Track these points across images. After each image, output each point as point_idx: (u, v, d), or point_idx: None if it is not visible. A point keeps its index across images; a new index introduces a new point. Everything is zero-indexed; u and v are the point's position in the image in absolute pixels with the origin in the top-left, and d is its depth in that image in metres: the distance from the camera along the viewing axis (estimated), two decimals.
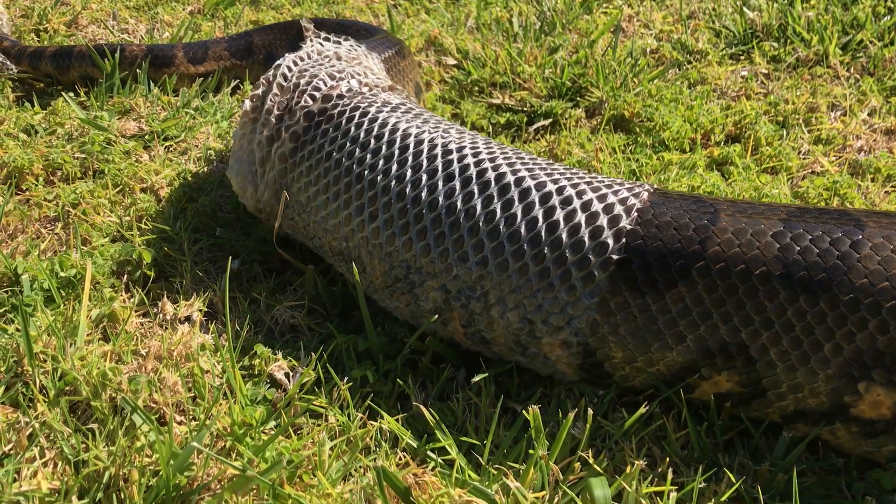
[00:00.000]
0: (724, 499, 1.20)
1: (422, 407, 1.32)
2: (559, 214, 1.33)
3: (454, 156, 1.45)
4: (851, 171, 2.14)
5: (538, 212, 1.34)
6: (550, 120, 2.36)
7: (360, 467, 1.25)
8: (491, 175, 1.40)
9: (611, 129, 2.32)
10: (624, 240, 1.29)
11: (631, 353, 1.30)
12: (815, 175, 2.10)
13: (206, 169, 2.05)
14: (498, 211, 1.36)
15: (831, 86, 2.52)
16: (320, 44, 1.85)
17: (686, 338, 1.26)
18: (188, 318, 1.56)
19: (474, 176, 1.41)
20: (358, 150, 1.52)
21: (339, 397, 1.38)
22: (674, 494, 1.14)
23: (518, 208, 1.35)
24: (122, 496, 1.18)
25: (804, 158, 2.19)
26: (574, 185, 1.37)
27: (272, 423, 1.34)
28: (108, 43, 2.49)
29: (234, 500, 1.18)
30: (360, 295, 1.45)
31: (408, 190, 1.43)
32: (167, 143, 2.14)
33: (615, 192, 1.35)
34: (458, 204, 1.39)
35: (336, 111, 1.60)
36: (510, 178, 1.39)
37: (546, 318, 1.32)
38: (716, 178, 2.04)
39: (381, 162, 1.49)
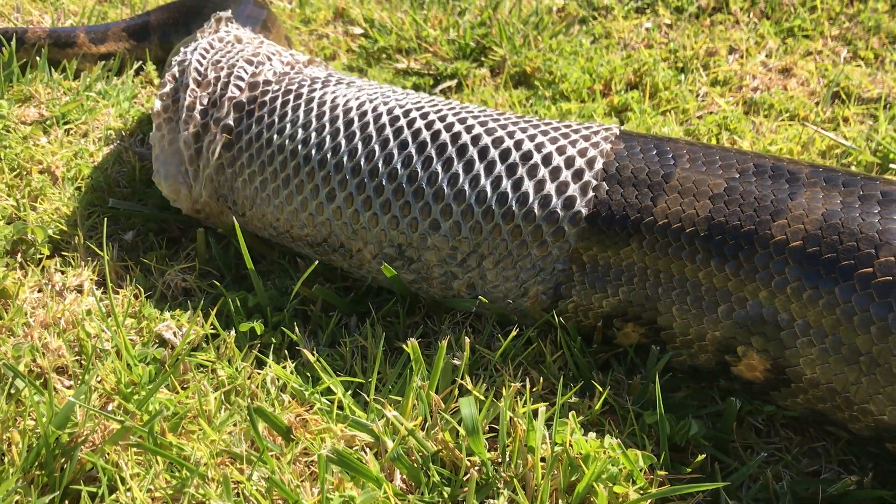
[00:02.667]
0: (596, 409, 1.23)
1: (306, 352, 1.34)
2: (522, 171, 1.33)
3: (402, 121, 1.42)
4: (746, 109, 2.19)
5: (501, 170, 1.34)
6: (455, 81, 2.38)
7: (245, 413, 1.27)
8: (446, 136, 1.38)
9: (513, 85, 2.35)
10: (591, 194, 1.31)
11: (586, 299, 1.34)
12: (710, 114, 2.15)
13: (105, 149, 2.05)
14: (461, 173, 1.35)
15: (731, 31, 2.57)
16: (221, 30, 1.81)
17: (619, 290, 1.30)
18: (78, 288, 1.56)
19: (429, 139, 1.39)
20: (301, 131, 1.48)
21: (228, 351, 1.39)
22: (542, 410, 1.17)
23: (481, 168, 1.34)
24: (4, 459, 1.18)
25: (702, 100, 2.24)
26: (539, 137, 1.37)
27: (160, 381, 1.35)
28: (6, 28, 2.46)
29: (115, 452, 1.19)
30: (243, 249, 1.46)
31: (363, 163, 1.40)
32: (67, 127, 2.13)
33: (574, 143, 1.35)
34: (419, 170, 1.37)
35: (268, 98, 1.56)
36: (466, 138, 1.37)
37: (523, 276, 1.34)
38: (612, 123, 2.08)
39: (328, 139, 1.45)
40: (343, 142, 1.43)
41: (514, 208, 1.32)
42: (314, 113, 1.49)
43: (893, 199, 1.16)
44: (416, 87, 2.40)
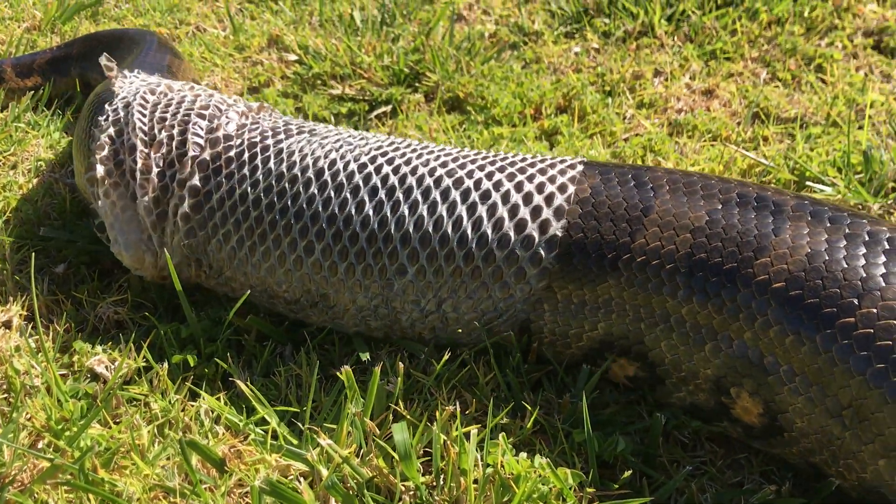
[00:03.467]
0: (527, 429, 1.26)
1: (240, 383, 1.34)
2: (487, 211, 1.34)
3: (370, 167, 1.42)
4: (671, 130, 2.27)
5: (481, 209, 1.34)
6: (390, 106, 2.41)
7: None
8: (412, 180, 1.39)
9: (447, 110, 2.39)
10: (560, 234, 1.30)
11: (560, 331, 1.34)
12: (636, 136, 2.21)
13: (35, 180, 2.02)
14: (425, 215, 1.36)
15: (656, 55, 2.66)
16: (134, 81, 1.74)
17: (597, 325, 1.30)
18: (7, 324, 1.53)
19: (397, 183, 1.39)
20: (273, 185, 1.45)
21: (161, 384, 1.38)
22: (474, 432, 1.19)
23: (443, 209, 1.36)
24: None
25: (628, 122, 2.31)
26: (503, 178, 1.37)
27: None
28: None
29: (44, 491, 1.17)
30: (175, 280, 1.46)
31: (337, 212, 1.40)
32: None
33: (532, 179, 1.36)
34: (388, 216, 1.37)
35: (233, 153, 1.51)
36: (429, 181, 1.38)
37: (487, 318, 1.36)
38: (542, 147, 2.13)
39: (302, 190, 1.43)
40: (316, 192, 1.42)
41: (473, 249, 1.33)
42: (284, 165, 1.46)
43: (879, 240, 1.13)
44: (352, 113, 2.42)
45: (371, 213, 1.38)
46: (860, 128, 2.16)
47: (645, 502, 1.16)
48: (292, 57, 2.72)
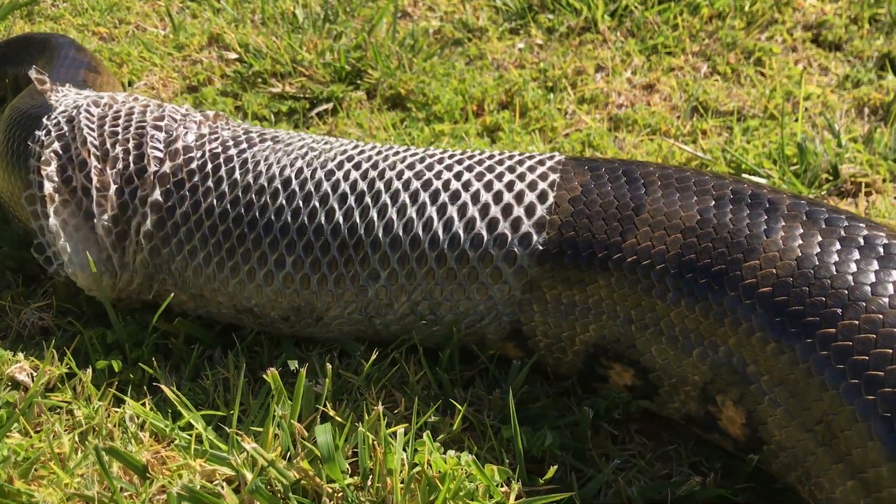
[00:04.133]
0: (455, 427, 1.25)
1: (165, 388, 1.31)
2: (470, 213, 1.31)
3: (338, 174, 1.39)
4: (612, 125, 2.27)
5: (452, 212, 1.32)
6: (331, 104, 2.39)
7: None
8: (380, 184, 1.37)
9: (388, 107, 2.37)
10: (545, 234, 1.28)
11: (553, 333, 1.31)
12: (577, 132, 2.22)
13: None
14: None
15: (599, 50, 2.67)
16: (68, 94, 1.67)
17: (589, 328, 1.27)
18: None
19: (365, 188, 1.37)
20: (241, 197, 1.40)
21: (84, 391, 1.35)
22: (400, 431, 1.18)
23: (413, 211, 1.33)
24: None
25: (569, 118, 2.31)
26: (465, 175, 1.35)
27: (14, 426, 1.30)
28: None
29: None
30: (101, 287, 1.42)
31: (307, 222, 1.36)
32: None
33: (500, 178, 1.33)
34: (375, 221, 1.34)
35: (194, 165, 1.45)
36: (397, 184, 1.36)
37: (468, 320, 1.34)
38: (483, 144, 2.13)
39: (270, 201, 1.39)
40: (284, 203, 1.38)
41: (445, 250, 1.30)
42: (250, 175, 1.41)
43: (873, 246, 1.09)
44: (293, 111, 2.39)
45: (341, 220, 1.35)
46: (796, 120, 2.19)
47: (568, 497, 1.15)
48: (232, 55, 2.68)
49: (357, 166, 1.40)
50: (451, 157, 1.41)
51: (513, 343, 1.35)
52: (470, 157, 1.40)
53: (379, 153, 1.43)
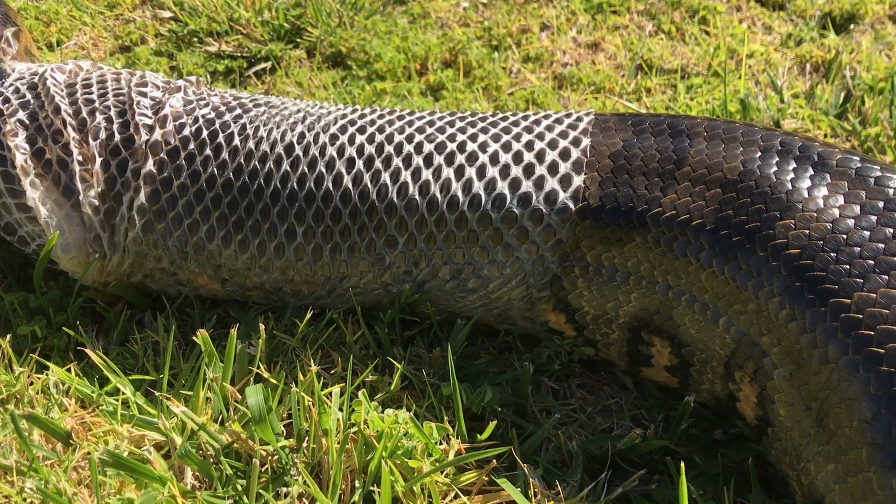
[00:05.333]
0: (394, 385, 1.22)
1: (91, 353, 1.25)
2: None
3: (342, 138, 1.31)
4: (557, 84, 2.25)
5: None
6: (269, 63, 2.32)
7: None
8: (390, 149, 1.29)
9: (328, 66, 2.31)
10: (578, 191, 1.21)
11: (598, 304, 1.23)
12: (521, 90, 2.18)
13: None
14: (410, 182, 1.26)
15: (544, 9, 2.63)
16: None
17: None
18: None
19: (374, 152, 1.29)
20: (244, 165, 1.30)
21: (4, 357, 1.29)
22: (336, 391, 1.15)
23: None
24: None
25: (514, 77, 2.28)
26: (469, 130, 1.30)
27: None
28: None
29: None
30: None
31: (314, 188, 1.28)
32: None
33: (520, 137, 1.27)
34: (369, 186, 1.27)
35: (187, 132, 1.34)
36: (409, 147, 1.29)
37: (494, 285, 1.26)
38: (427, 103, 2.09)
39: (274, 168, 1.30)
40: (289, 169, 1.29)
41: (466, 212, 1.23)
42: (251, 142, 1.32)
43: None
44: (229, 71, 2.31)
45: (350, 185, 1.27)
46: (739, 77, 2.19)
47: (507, 450, 1.14)
48: (167, 14, 2.58)
49: (361, 130, 1.32)
50: (462, 119, 1.34)
51: (563, 316, 1.27)
52: (483, 120, 1.34)
53: (382, 117, 1.36)
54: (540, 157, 1.25)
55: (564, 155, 1.24)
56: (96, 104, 1.37)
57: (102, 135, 1.33)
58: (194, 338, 1.24)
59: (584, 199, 1.20)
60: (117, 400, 1.21)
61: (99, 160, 1.32)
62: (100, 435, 1.16)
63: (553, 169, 1.23)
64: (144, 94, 1.38)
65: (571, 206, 1.21)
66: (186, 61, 2.33)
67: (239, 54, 2.37)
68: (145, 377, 1.26)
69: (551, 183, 1.22)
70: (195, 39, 2.46)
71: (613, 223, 1.18)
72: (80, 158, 1.32)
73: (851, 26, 2.49)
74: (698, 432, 1.22)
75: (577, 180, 1.22)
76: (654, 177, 1.17)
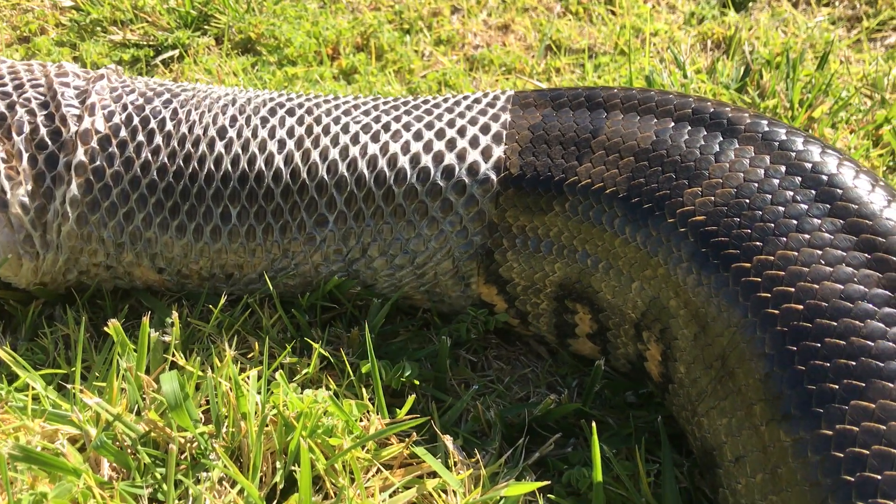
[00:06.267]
0: (312, 366, 1.23)
1: None
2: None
3: (273, 120, 1.32)
4: (469, 66, 2.27)
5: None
6: (177, 51, 2.27)
7: None
8: (318, 130, 1.31)
9: (238, 52, 2.28)
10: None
11: (527, 275, 1.26)
12: (433, 72, 2.20)
13: None
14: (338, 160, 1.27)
15: None
16: None
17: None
18: None
19: (304, 133, 1.31)
20: (178, 149, 1.29)
21: None
22: (253, 374, 1.15)
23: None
24: None
25: (427, 60, 2.29)
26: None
27: None
28: None
29: None
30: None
31: (247, 169, 1.28)
32: None
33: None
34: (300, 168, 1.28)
35: (117, 119, 1.30)
36: (336, 128, 1.30)
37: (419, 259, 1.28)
38: (339, 87, 2.08)
39: (207, 151, 1.29)
40: (223, 151, 1.29)
41: (393, 185, 1.25)
42: (184, 126, 1.31)
43: (818, 179, 1.04)
44: (135, 60, 2.26)
45: (282, 165, 1.28)
46: (644, 55, 2.25)
47: (425, 423, 1.16)
48: (67, 2, 2.50)
49: (290, 112, 1.34)
50: (386, 103, 1.37)
51: (494, 288, 1.29)
52: (405, 103, 1.37)
53: (309, 100, 1.38)
54: (462, 132, 1.28)
55: (485, 129, 1.28)
56: (13, 97, 1.32)
57: (26, 129, 1.28)
58: (106, 328, 1.21)
59: (506, 168, 1.23)
60: (27, 396, 1.18)
61: (26, 156, 1.27)
62: (9, 432, 1.13)
63: (475, 142, 1.27)
64: (67, 84, 1.34)
65: (493, 176, 1.24)
66: (90, 51, 2.26)
67: (145, 43, 2.31)
68: (57, 371, 1.24)
69: (473, 154, 1.26)
70: (98, 28, 2.40)
71: (534, 192, 1.21)
72: (3, 156, 1.27)
73: (750, 4, 2.59)
74: (611, 395, 1.26)
75: (498, 151, 1.25)
76: (571, 146, 1.21)
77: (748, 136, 1.12)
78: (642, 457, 1.12)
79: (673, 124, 1.17)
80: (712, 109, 1.17)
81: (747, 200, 1.04)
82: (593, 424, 1.05)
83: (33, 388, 1.19)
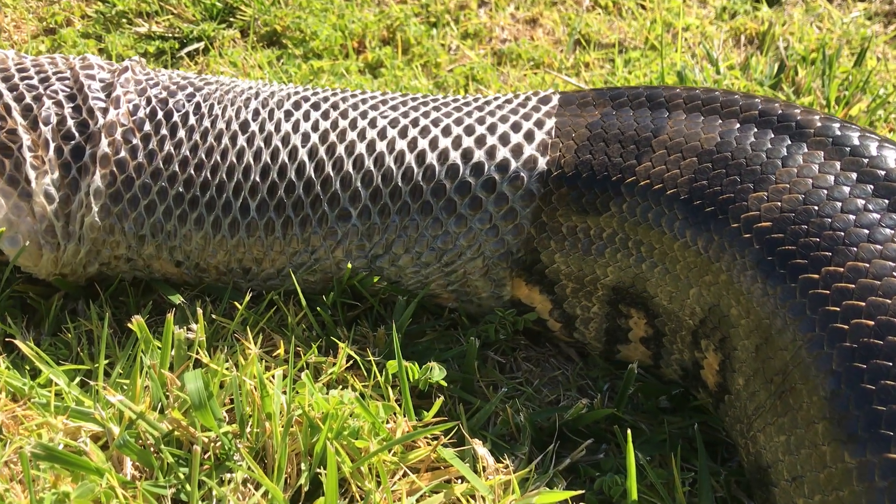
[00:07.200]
0: (338, 366, 1.20)
1: (21, 344, 1.21)
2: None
3: (297, 114, 1.31)
4: (497, 60, 2.23)
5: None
6: (202, 44, 2.26)
7: None
8: (345, 124, 1.29)
9: (263, 45, 2.26)
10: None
11: (576, 277, 1.22)
12: (460, 67, 2.17)
13: None
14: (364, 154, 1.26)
15: None
16: None
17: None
18: None
19: (329, 127, 1.29)
20: (200, 142, 1.28)
21: None
22: (278, 374, 1.12)
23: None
24: None
25: (453, 54, 2.26)
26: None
27: None
28: None
29: None
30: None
31: (270, 162, 1.27)
32: None
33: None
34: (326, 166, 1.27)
35: (142, 113, 1.30)
36: (363, 123, 1.29)
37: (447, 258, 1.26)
38: (365, 81, 2.05)
39: (230, 145, 1.28)
40: (245, 145, 1.28)
41: (421, 182, 1.23)
42: (206, 120, 1.30)
43: (891, 190, 0.99)
44: (160, 52, 2.24)
45: (306, 158, 1.26)
46: (676, 50, 2.20)
47: (454, 426, 1.13)
48: None
49: (315, 106, 1.32)
50: (414, 99, 1.35)
51: (537, 290, 1.26)
52: (435, 100, 1.35)
53: (336, 94, 1.36)
54: (508, 128, 1.26)
55: (530, 132, 1.25)
56: (40, 90, 1.31)
57: (53, 120, 1.28)
58: (129, 325, 1.20)
59: (559, 167, 1.20)
60: (50, 392, 1.17)
61: (52, 146, 1.26)
62: (32, 428, 1.12)
63: (515, 138, 1.24)
64: (93, 77, 1.33)
65: (523, 174, 1.21)
66: (115, 43, 2.25)
67: (170, 35, 2.30)
68: (80, 367, 1.22)
69: (503, 152, 1.23)
70: (124, 20, 2.38)
71: (589, 192, 1.17)
72: (29, 145, 1.25)
73: None
74: (643, 399, 1.23)
75: (537, 150, 1.22)
76: (630, 145, 1.16)
77: (818, 140, 1.07)
78: (678, 464, 1.09)
79: (738, 125, 1.12)
80: (780, 111, 1.12)
81: (816, 207, 0.99)
82: (628, 431, 1.02)
83: (56, 384, 1.17)
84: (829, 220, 0.98)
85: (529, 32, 2.37)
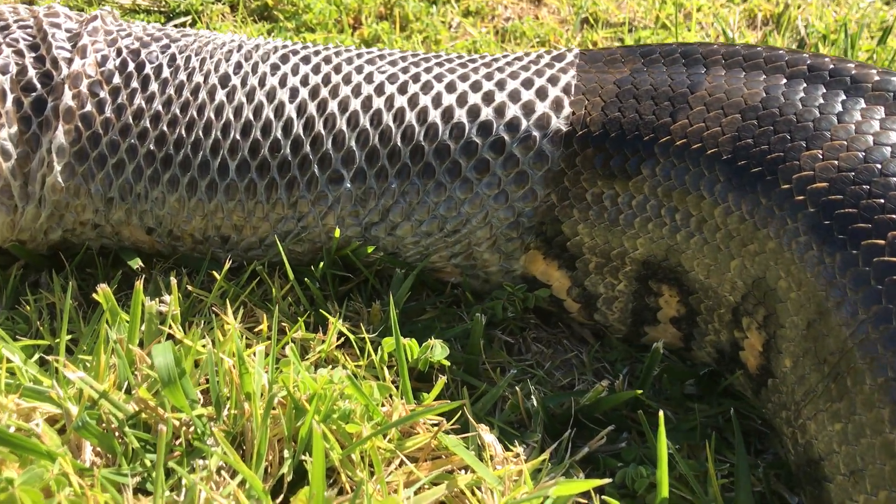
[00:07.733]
0: (328, 343, 1.08)
1: None
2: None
3: (283, 68, 1.19)
4: (500, 38, 2.12)
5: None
6: (190, 17, 2.14)
7: None
8: (338, 78, 1.17)
9: (254, 19, 2.14)
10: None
11: (601, 251, 1.11)
12: (463, 42, 2.05)
13: None
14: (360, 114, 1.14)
15: None
16: None
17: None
18: None
19: (320, 82, 1.17)
20: (175, 96, 1.16)
21: None
22: (260, 350, 1.00)
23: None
24: None
25: (454, 31, 2.14)
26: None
27: None
28: None
29: None
30: None
31: (252, 119, 1.15)
32: None
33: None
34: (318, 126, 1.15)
35: (111, 65, 1.18)
36: (358, 78, 1.17)
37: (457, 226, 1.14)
38: None
39: (207, 99, 1.16)
40: (224, 100, 1.16)
41: (422, 142, 1.11)
42: (182, 73, 1.18)
43: None
44: None
45: (294, 115, 1.14)
46: (689, 29, 2.09)
47: (458, 407, 1.00)
48: None
49: (306, 60, 1.20)
50: (415, 55, 1.23)
51: (555, 264, 1.14)
52: (437, 57, 1.23)
53: (328, 49, 1.24)
54: (519, 84, 1.14)
55: (543, 88, 1.13)
56: (11, 36, 1.19)
57: (12, 69, 1.16)
58: (95, 295, 1.07)
59: (585, 126, 1.08)
60: (1, 368, 1.03)
61: (10, 97, 1.14)
62: None
63: (527, 95, 1.12)
64: (58, 26, 1.21)
65: (535, 133, 1.09)
66: None
67: (156, 8, 2.18)
68: (39, 342, 1.09)
69: (513, 109, 1.11)
70: None
71: (619, 153, 1.05)
72: None
73: None
74: (668, 384, 1.10)
75: (550, 108, 1.10)
76: (664, 101, 1.04)
77: (877, 95, 0.96)
78: (712, 455, 0.96)
79: (785, 80, 1.01)
80: (832, 66, 1.01)
81: (879, 166, 0.88)
82: (661, 415, 0.89)
83: (10, 361, 1.04)
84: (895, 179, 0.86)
85: (533, 11, 2.26)
